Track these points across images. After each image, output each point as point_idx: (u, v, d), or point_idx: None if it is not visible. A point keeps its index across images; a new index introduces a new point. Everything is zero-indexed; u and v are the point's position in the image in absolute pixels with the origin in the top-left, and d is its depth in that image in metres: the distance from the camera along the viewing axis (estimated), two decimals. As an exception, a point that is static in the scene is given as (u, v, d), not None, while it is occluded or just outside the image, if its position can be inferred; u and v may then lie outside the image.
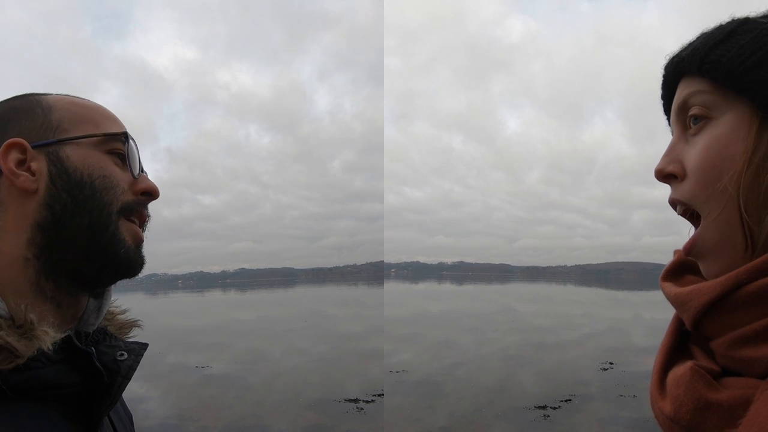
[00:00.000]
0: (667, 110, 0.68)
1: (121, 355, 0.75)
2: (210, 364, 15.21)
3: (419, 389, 11.52)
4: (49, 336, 0.64)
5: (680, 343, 0.63)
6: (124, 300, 0.90)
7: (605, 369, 13.42)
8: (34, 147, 0.73)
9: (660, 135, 0.69)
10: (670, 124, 0.67)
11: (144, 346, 0.79)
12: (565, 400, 10.28)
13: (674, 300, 0.61)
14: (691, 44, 0.63)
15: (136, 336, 0.88)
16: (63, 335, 0.67)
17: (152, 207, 0.83)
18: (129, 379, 0.74)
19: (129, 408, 0.94)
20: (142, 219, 0.81)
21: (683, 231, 0.63)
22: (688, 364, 0.56)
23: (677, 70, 0.64)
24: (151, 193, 0.81)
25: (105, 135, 0.78)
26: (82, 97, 0.82)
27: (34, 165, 0.72)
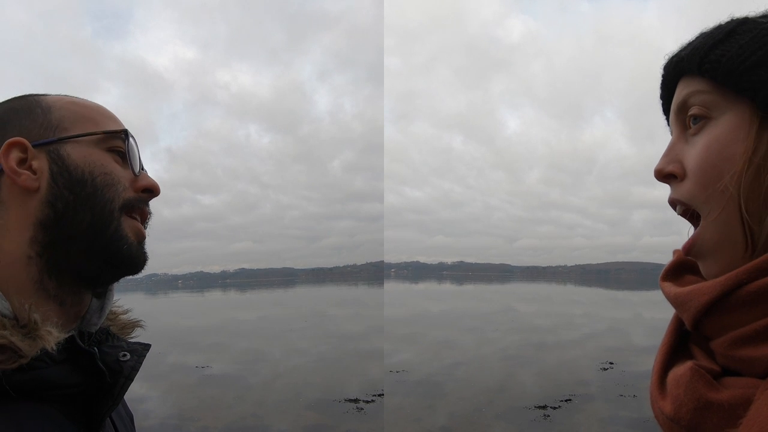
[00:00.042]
0: (666, 110, 0.68)
1: (124, 355, 0.75)
2: (210, 364, 15.20)
3: (419, 389, 11.52)
4: (52, 336, 0.64)
5: (680, 343, 0.63)
6: (124, 300, 0.90)
7: (605, 369, 13.42)
8: (34, 146, 0.73)
9: (660, 135, 0.69)
10: (669, 124, 0.67)
11: (146, 347, 0.79)
12: (565, 400, 10.28)
13: (674, 300, 0.61)
14: (690, 44, 0.63)
15: (138, 336, 0.88)
16: (67, 335, 0.67)
17: (152, 207, 0.83)
18: (131, 379, 0.74)
19: (130, 408, 0.94)
20: (144, 216, 0.81)
21: (683, 231, 0.63)
22: (689, 363, 0.56)
23: (676, 70, 0.63)
24: (152, 190, 0.81)
25: (105, 133, 0.78)
26: (82, 97, 0.83)
27: (35, 164, 0.73)
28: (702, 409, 0.52)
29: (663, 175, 0.63)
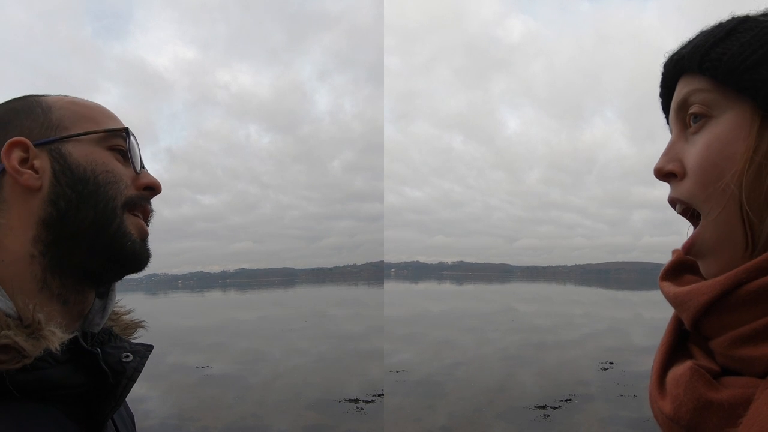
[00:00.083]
0: (665, 108, 0.68)
1: (127, 356, 0.75)
2: (210, 364, 15.20)
3: (419, 389, 11.51)
4: (56, 336, 0.64)
5: (679, 343, 0.63)
6: (124, 300, 0.90)
7: (605, 369, 13.42)
8: (36, 145, 0.73)
9: (660, 135, 0.68)
10: (668, 123, 0.67)
11: (149, 348, 0.79)
12: (565, 400, 10.28)
13: (673, 300, 0.60)
14: (690, 42, 0.62)
15: (140, 337, 0.88)
16: (70, 336, 0.67)
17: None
18: (134, 380, 0.74)
19: (130, 408, 0.94)
20: (146, 213, 0.81)
21: (683, 231, 0.63)
22: (688, 363, 0.56)
23: (677, 68, 0.63)
24: (154, 188, 0.81)
25: (106, 131, 0.78)
26: (82, 97, 0.83)
27: (37, 163, 0.73)
28: (702, 408, 0.52)
29: (663, 174, 0.63)
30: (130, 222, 0.77)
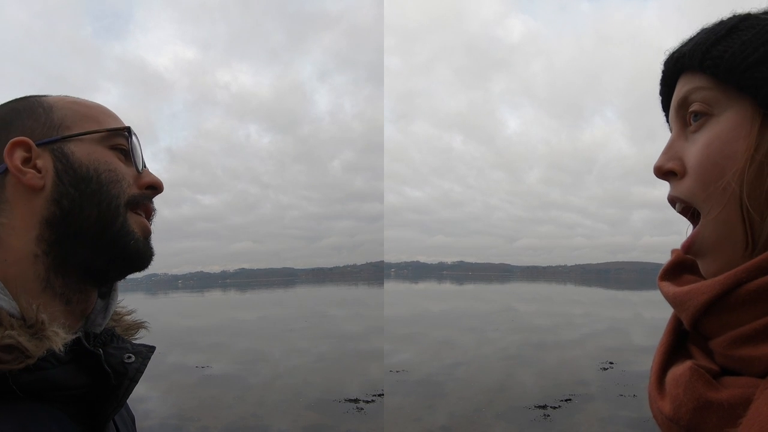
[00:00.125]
0: (665, 106, 0.68)
1: (129, 357, 0.74)
2: (210, 364, 15.20)
3: (419, 389, 11.51)
4: (59, 337, 0.64)
5: (678, 343, 0.63)
6: (124, 300, 0.90)
7: (605, 369, 13.41)
8: (38, 145, 0.74)
9: (660, 134, 0.68)
10: (668, 121, 0.67)
11: (151, 349, 0.79)
12: (565, 400, 10.28)
13: (672, 299, 0.60)
14: (691, 40, 0.62)
15: (142, 338, 0.88)
16: (73, 336, 0.67)
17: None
18: (136, 381, 0.74)
19: (131, 409, 0.94)
20: (148, 212, 0.81)
21: (683, 230, 0.62)
22: (688, 363, 0.56)
23: (677, 66, 0.63)
24: (156, 187, 0.81)
25: (109, 130, 0.79)
26: (82, 97, 0.83)
27: (39, 162, 0.73)
28: (701, 408, 0.51)
29: (662, 173, 0.62)
30: (133, 220, 0.77)
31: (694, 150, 0.59)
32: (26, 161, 0.72)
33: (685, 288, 0.58)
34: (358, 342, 19.49)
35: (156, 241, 0.81)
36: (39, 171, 0.72)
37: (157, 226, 0.82)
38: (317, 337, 21.06)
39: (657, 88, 0.69)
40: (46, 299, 0.69)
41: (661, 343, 0.63)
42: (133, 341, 0.83)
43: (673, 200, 0.62)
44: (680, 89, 0.62)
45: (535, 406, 9.84)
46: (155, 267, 0.81)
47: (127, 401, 0.91)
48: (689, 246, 0.60)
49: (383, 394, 10.95)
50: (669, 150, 0.62)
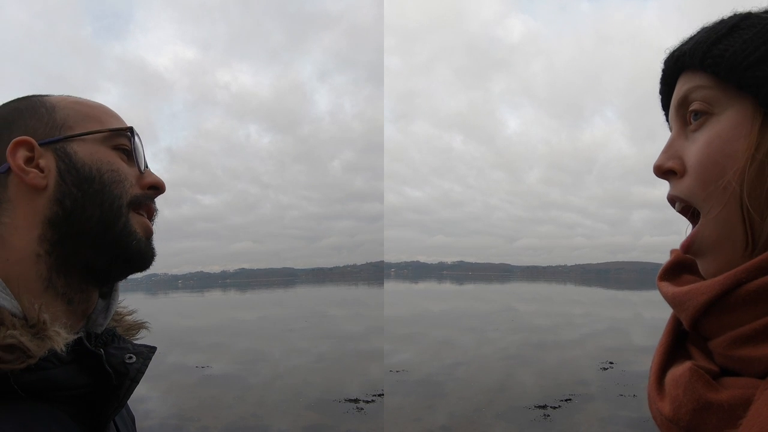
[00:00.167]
0: (665, 105, 0.67)
1: (130, 357, 0.74)
2: (210, 364, 15.20)
3: (419, 389, 11.51)
4: (61, 337, 0.64)
5: (678, 344, 0.63)
6: (124, 300, 0.90)
7: (605, 369, 13.41)
8: (41, 144, 0.73)
9: (660, 134, 0.68)
10: (668, 120, 0.66)
11: (152, 350, 0.79)
12: (565, 400, 10.27)
13: (672, 300, 0.60)
14: (692, 38, 0.62)
15: (143, 338, 0.88)
16: (75, 336, 0.67)
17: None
18: (137, 382, 0.73)
19: (131, 409, 0.94)
20: (150, 212, 0.81)
21: (683, 230, 0.62)
22: (687, 364, 0.55)
23: (678, 65, 0.62)
24: (158, 187, 0.81)
25: (111, 130, 0.79)
26: (83, 97, 0.83)
27: (42, 162, 0.73)
28: (701, 409, 0.51)
29: (662, 171, 0.62)
30: (136, 221, 0.77)
31: (695, 149, 0.58)
32: (29, 161, 0.72)
33: (685, 288, 0.58)
34: (358, 342, 19.49)
35: (156, 241, 0.81)
36: (42, 171, 0.72)
37: (157, 226, 0.82)
38: (317, 337, 21.06)
39: (657, 87, 0.68)
40: (47, 299, 0.69)
41: (660, 343, 0.63)
42: (134, 341, 0.83)
43: (672, 199, 0.62)
44: (680, 88, 0.62)
45: (535, 406, 9.84)
46: (155, 267, 0.81)
47: (127, 401, 0.91)
48: (688, 245, 0.60)
49: (383, 394, 10.95)
50: (669, 149, 0.62)
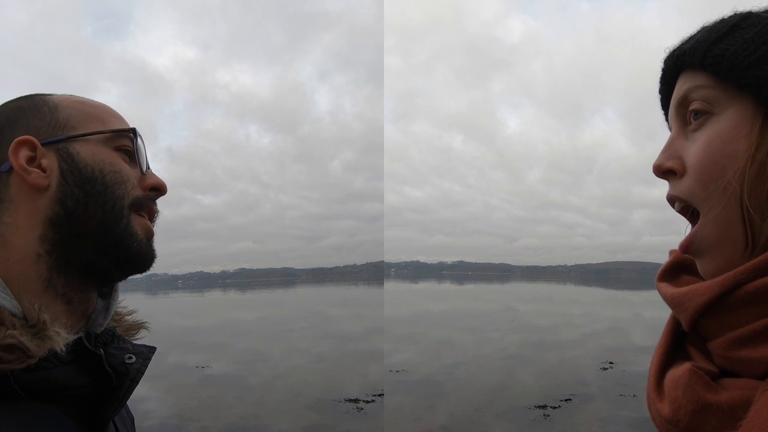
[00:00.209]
0: (665, 105, 0.67)
1: (130, 358, 0.74)
2: (210, 364, 15.20)
3: (419, 389, 11.51)
4: (61, 337, 0.64)
5: (677, 344, 0.62)
6: (124, 300, 0.90)
7: (605, 368, 13.41)
8: (43, 144, 0.73)
9: (660, 134, 0.67)
10: (667, 119, 0.66)
11: (152, 350, 0.79)
12: (565, 400, 10.27)
13: (671, 301, 0.60)
14: (692, 37, 0.61)
15: (143, 338, 0.88)
16: (75, 336, 0.67)
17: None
18: (137, 382, 0.73)
19: (130, 409, 0.94)
20: (152, 214, 0.81)
21: (683, 230, 0.62)
22: (687, 365, 0.55)
23: (678, 64, 0.62)
24: (160, 189, 0.81)
25: (114, 131, 0.78)
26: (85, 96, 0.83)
27: (44, 162, 0.73)
28: (701, 411, 0.51)
29: (662, 171, 0.62)
30: (137, 222, 0.77)
31: (695, 149, 0.58)
32: (31, 160, 0.72)
33: (684, 289, 0.58)
34: (358, 342, 19.49)
35: (156, 242, 0.82)
36: (44, 170, 0.72)
37: (157, 226, 0.82)
38: (317, 337, 21.06)
39: (657, 87, 0.68)
40: (47, 299, 0.69)
41: (659, 344, 0.63)
42: (134, 342, 0.83)
43: (672, 199, 0.62)
44: (680, 87, 0.62)
45: (535, 406, 9.84)
46: (155, 267, 0.81)
47: (127, 401, 0.91)
48: (687, 245, 0.60)
49: (383, 394, 10.95)
50: (669, 148, 0.62)
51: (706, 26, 0.61)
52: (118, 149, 0.78)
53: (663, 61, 0.65)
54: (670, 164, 0.61)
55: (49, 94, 0.79)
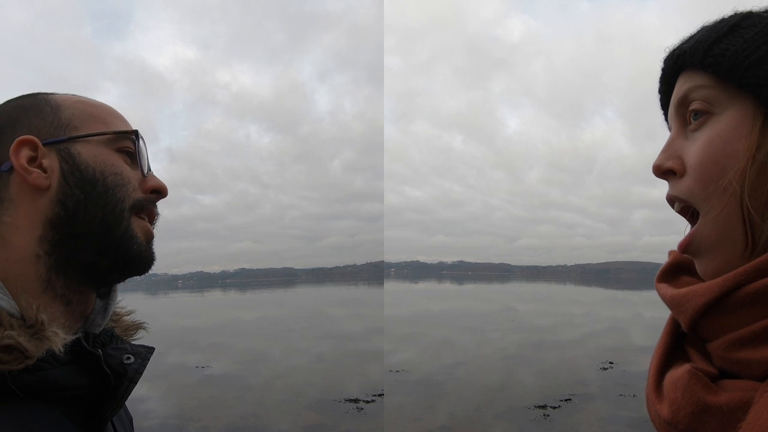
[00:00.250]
0: (665, 105, 0.67)
1: (128, 358, 0.74)
2: (210, 364, 15.20)
3: (419, 389, 11.51)
4: (59, 337, 0.64)
5: (676, 345, 0.62)
6: (124, 300, 0.89)
7: (605, 368, 13.41)
8: (45, 144, 0.73)
9: (660, 134, 0.67)
10: (667, 119, 0.66)
11: (150, 350, 0.79)
12: (565, 400, 10.27)
13: (670, 301, 0.59)
14: (692, 37, 0.61)
15: (142, 338, 0.88)
16: (73, 337, 0.67)
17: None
18: (135, 382, 0.73)
19: (129, 409, 0.94)
20: (152, 216, 0.81)
21: (683, 230, 0.62)
22: (686, 366, 0.55)
23: (678, 64, 0.62)
24: (161, 191, 0.81)
25: (116, 133, 0.78)
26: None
27: (45, 162, 0.72)
28: (700, 412, 0.51)
29: (662, 171, 0.62)
30: (137, 225, 0.77)
31: (695, 149, 0.58)
32: (32, 160, 0.72)
33: (683, 290, 0.57)
34: (358, 342, 19.49)
35: (156, 242, 0.81)
36: (45, 171, 0.72)
37: (157, 226, 0.82)
38: (317, 337, 21.06)
39: (657, 86, 0.68)
40: (46, 300, 0.69)
41: (658, 345, 0.63)
42: (133, 342, 0.83)
43: (672, 199, 0.62)
44: (680, 87, 0.62)
45: (535, 406, 9.84)
46: (155, 267, 0.81)
47: (127, 401, 0.91)
48: (687, 245, 0.59)
49: (383, 394, 10.95)
50: (668, 148, 0.62)
51: (707, 26, 0.61)
52: (120, 151, 0.78)
53: (663, 60, 0.65)
54: (669, 164, 0.60)
55: (52, 94, 0.79)
